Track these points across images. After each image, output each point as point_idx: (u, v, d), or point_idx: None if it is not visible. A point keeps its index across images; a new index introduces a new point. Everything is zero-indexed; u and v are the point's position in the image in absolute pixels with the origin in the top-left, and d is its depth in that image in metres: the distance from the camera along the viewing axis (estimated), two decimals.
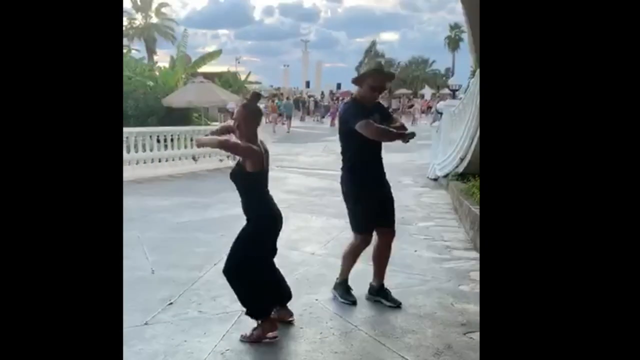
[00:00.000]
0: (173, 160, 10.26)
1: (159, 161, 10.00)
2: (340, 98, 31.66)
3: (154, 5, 37.60)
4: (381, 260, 3.69)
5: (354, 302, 3.63)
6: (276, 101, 26.37)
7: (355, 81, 3.61)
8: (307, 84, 43.34)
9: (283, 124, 25.48)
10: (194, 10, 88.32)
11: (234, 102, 12.62)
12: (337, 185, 8.20)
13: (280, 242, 5.11)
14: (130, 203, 7.20)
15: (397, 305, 3.58)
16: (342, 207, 6.88)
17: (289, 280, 4.00)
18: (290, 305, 3.55)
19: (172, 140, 10.34)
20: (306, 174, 10.34)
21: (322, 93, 37.59)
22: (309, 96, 37.70)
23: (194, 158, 10.27)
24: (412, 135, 3.44)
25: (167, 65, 18.53)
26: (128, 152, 9.19)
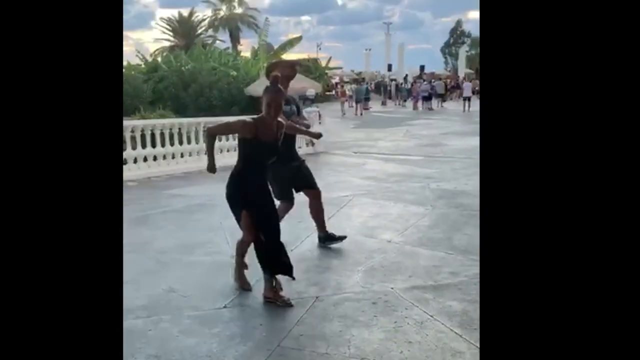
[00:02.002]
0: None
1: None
2: (424, 80, 30.88)
3: None
4: (318, 215, 4.56)
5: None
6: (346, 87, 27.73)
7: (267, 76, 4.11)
8: (389, 67, 42.61)
9: (366, 108, 25.91)
10: None
11: (314, 88, 12.71)
12: (417, 171, 8.13)
13: (356, 229, 5.16)
14: (215, 190, 7.50)
15: (342, 238, 4.55)
16: (421, 193, 6.79)
17: (363, 269, 4.00)
18: (364, 292, 3.54)
19: None
20: (385, 160, 10.21)
21: (406, 76, 36.77)
22: (391, 79, 37.12)
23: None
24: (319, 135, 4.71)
25: (249, 54, 19.03)
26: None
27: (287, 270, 3.54)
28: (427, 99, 25.72)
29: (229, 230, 5.18)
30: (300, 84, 12.84)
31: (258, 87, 12.82)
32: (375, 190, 7.12)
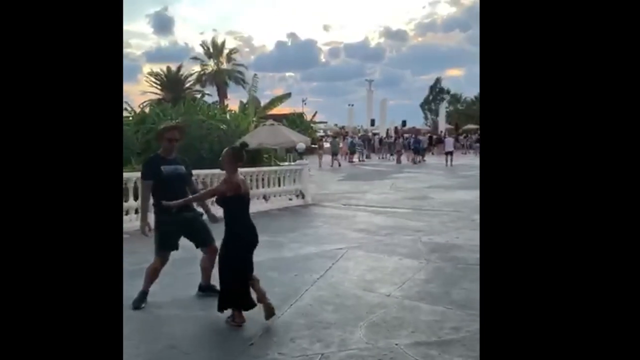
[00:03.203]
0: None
1: None
2: (406, 135, 31.63)
3: (225, 52, 39.73)
4: (206, 266, 4.65)
5: (136, 307, 4.32)
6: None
7: (157, 139, 4.82)
8: (372, 122, 43.64)
9: (351, 161, 26.64)
10: (262, 54, 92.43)
11: (303, 142, 12.92)
12: (407, 224, 8.26)
13: (354, 283, 5.14)
14: None
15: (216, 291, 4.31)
16: (414, 246, 6.83)
17: (366, 324, 3.97)
18: (369, 349, 3.51)
19: (250, 179, 10.68)
20: (375, 212, 10.28)
21: (388, 130, 37.67)
22: (374, 134, 37.88)
23: (265, 197, 10.58)
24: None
25: (237, 108, 19.42)
26: None
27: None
28: (415, 152, 26.49)
29: None
30: (289, 138, 13.05)
31: (247, 140, 13.00)
32: (368, 243, 7.14)
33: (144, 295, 4.48)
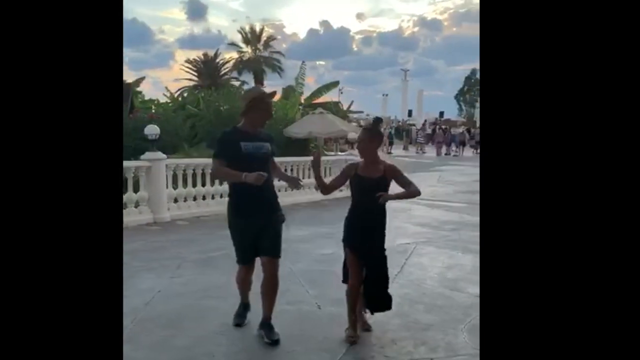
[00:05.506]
0: (297, 189, 10.42)
1: (285, 190, 10.20)
2: (444, 127, 31.05)
3: (263, 39, 39.49)
4: (266, 293, 3.49)
5: (237, 324, 3.70)
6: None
7: (242, 112, 3.48)
8: (410, 113, 43.06)
9: (389, 152, 26.27)
10: (294, 42, 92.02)
11: (353, 132, 12.67)
12: (468, 219, 8.00)
13: (437, 281, 4.90)
14: None
15: (272, 341, 3.36)
16: None
17: (467, 326, 3.74)
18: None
19: (291, 170, 10.54)
20: (429, 206, 10.00)
21: (425, 121, 37.10)
22: (410, 125, 37.36)
23: (315, 188, 10.41)
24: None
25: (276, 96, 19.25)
26: None
27: (385, 307, 3.56)
28: (459, 144, 26.23)
29: (302, 277, 4.97)
30: (339, 127, 12.80)
31: (296, 129, 12.82)
32: (435, 238, 6.91)
33: (243, 308, 3.79)
